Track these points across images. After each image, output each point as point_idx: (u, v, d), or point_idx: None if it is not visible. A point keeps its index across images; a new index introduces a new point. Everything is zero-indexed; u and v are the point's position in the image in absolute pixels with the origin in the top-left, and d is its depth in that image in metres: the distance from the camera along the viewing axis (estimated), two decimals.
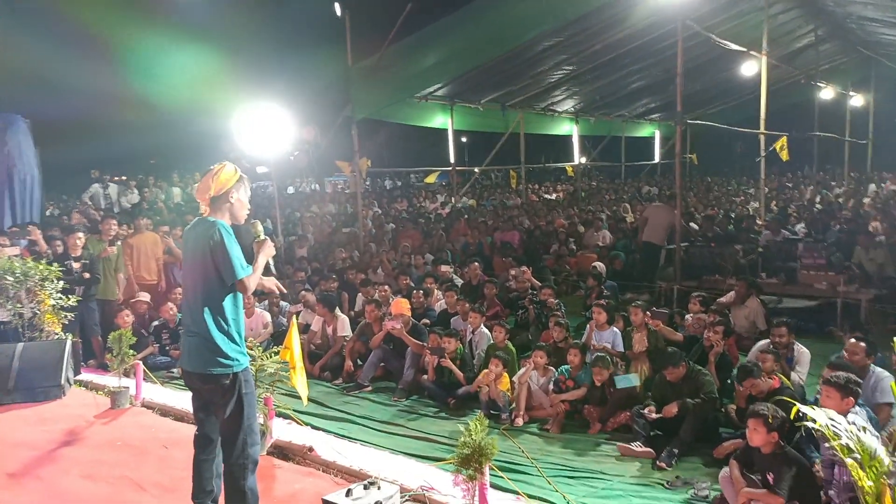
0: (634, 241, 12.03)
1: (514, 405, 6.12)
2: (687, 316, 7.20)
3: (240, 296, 3.21)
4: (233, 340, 3.15)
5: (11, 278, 5.97)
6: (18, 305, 6.02)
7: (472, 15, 11.56)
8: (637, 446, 5.18)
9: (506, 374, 6.17)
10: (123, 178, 16.04)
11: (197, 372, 3.13)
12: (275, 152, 8.84)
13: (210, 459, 3.31)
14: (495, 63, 13.30)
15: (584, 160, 23.86)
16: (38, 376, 5.58)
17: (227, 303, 3.15)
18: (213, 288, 3.11)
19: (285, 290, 4.03)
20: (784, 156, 13.85)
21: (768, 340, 5.94)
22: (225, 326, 3.12)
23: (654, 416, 5.30)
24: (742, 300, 7.70)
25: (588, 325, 6.91)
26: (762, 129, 13.22)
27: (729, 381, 5.87)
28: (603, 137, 24.12)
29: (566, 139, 22.42)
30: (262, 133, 8.25)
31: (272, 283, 3.52)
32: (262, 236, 3.39)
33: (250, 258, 3.30)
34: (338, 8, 12.34)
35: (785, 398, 4.44)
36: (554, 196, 21.63)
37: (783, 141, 13.21)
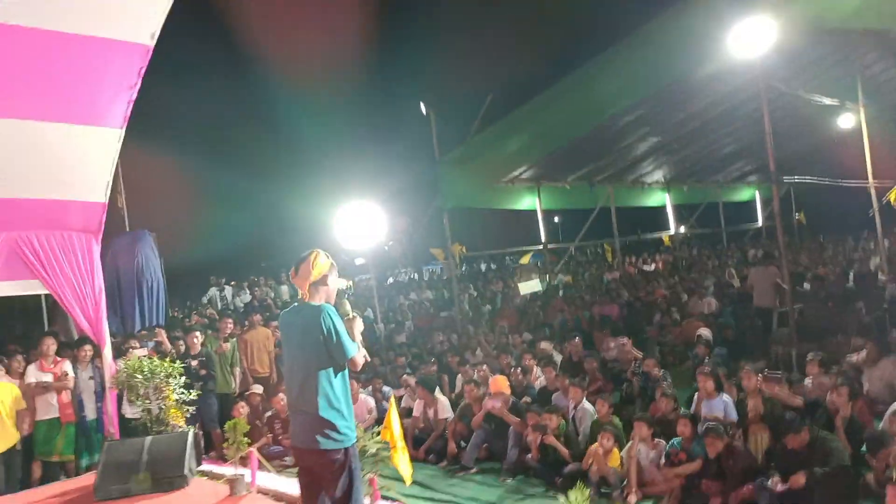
0: (743, 307, 11.44)
1: (625, 482, 5.86)
2: (806, 380, 6.72)
3: (347, 373, 3.39)
4: (343, 416, 3.30)
5: (140, 377, 6.51)
6: (147, 402, 6.52)
7: (551, 99, 11.98)
8: None
9: (616, 451, 5.94)
10: (235, 283, 17.27)
11: (309, 448, 3.27)
12: (371, 244, 9.33)
13: None
14: (579, 142, 13.55)
15: (681, 229, 23.25)
16: (165, 467, 5.94)
17: (338, 380, 3.33)
18: (323, 368, 3.29)
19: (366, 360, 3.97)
20: None
21: None
22: (335, 403, 3.28)
23: (780, 487, 4.91)
24: (874, 361, 7.06)
25: (696, 395, 6.58)
26: (871, 181, 12.49)
27: (864, 449, 5.36)
28: (699, 205, 23.47)
29: (660, 210, 22.03)
30: (358, 227, 8.77)
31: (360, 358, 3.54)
32: (352, 314, 3.59)
33: None
34: (423, 107, 13.20)
35: None
36: (653, 267, 21.03)
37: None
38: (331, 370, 3.30)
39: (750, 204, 26.23)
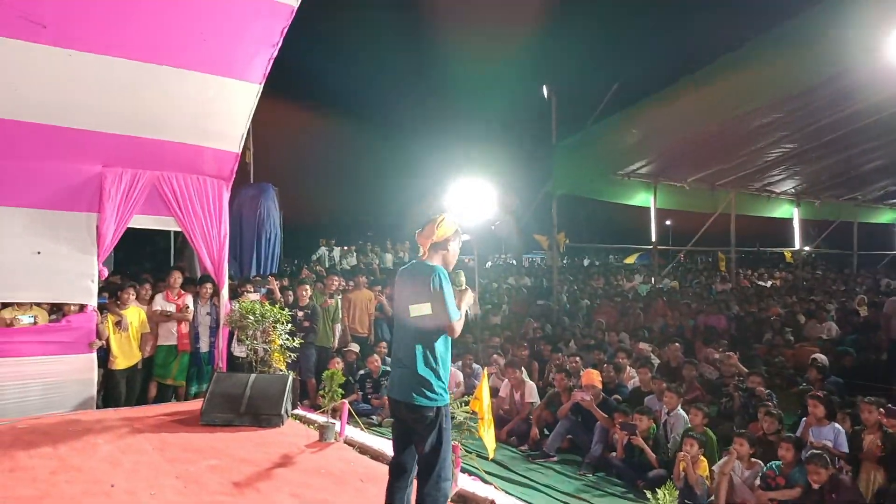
0: (867, 337, 10.53)
1: (712, 497, 5.61)
2: None
3: (449, 338, 3.46)
4: (439, 377, 3.38)
5: (252, 318, 6.94)
6: (254, 342, 6.95)
7: (680, 92, 11.40)
8: None
9: (704, 459, 5.70)
10: (345, 248, 17.99)
11: (404, 401, 3.36)
12: (478, 222, 9.35)
13: (402, 488, 3.50)
14: (705, 140, 12.85)
15: (806, 247, 21.64)
16: (264, 405, 6.34)
17: (439, 342, 3.40)
18: (427, 326, 3.38)
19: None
20: None
21: None
22: (433, 363, 3.36)
23: None
24: None
25: (804, 420, 6.15)
26: None
27: None
28: (830, 223, 21.70)
29: (785, 223, 20.58)
30: (468, 203, 8.80)
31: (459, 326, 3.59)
32: (464, 286, 3.64)
33: None
34: (545, 90, 13.02)
35: None
36: (769, 284, 19.75)
37: None
38: (434, 330, 3.37)
39: (890, 228, 23.99)
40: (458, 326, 3.42)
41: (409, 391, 3.32)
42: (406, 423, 3.43)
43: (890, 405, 5.75)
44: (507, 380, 8.09)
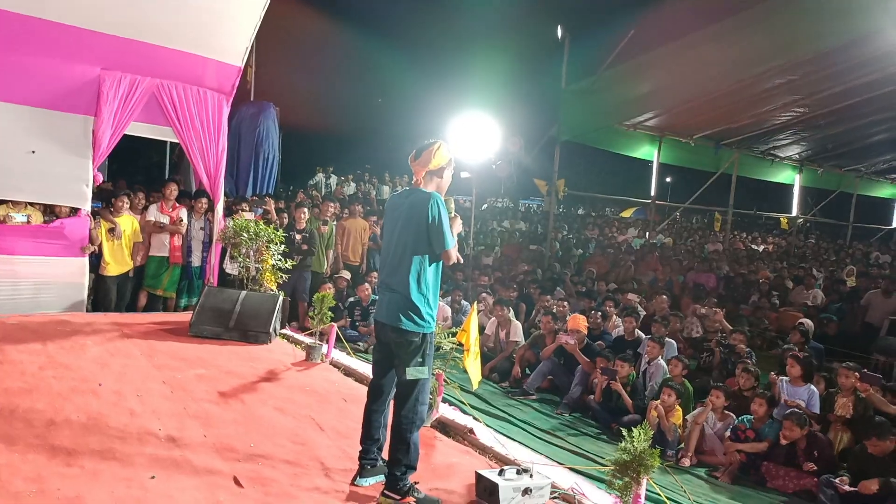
0: (852, 306, 10.66)
1: (683, 444, 5.79)
2: None
3: (441, 265, 3.47)
4: (429, 304, 3.40)
5: (245, 236, 6.92)
6: (247, 260, 6.96)
7: (696, 46, 11.13)
8: None
9: (679, 409, 5.85)
10: (343, 177, 17.85)
11: (391, 324, 3.38)
12: (479, 159, 9.27)
13: (379, 410, 3.58)
14: (716, 97, 12.63)
15: (803, 214, 21.68)
16: (253, 322, 6.42)
17: (431, 269, 3.41)
18: (421, 253, 3.37)
19: (462, 261, 4.14)
20: None
21: None
22: (424, 289, 3.38)
23: (846, 488, 4.70)
24: None
25: (779, 378, 6.29)
26: None
27: None
28: (830, 192, 21.67)
29: (785, 188, 20.54)
30: (470, 139, 8.70)
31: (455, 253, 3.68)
32: (454, 213, 3.62)
33: None
34: (559, 31, 12.65)
35: None
36: (762, 248, 19.86)
37: None
38: (426, 257, 3.38)
39: (888, 203, 24.01)
40: (454, 254, 3.44)
41: (398, 314, 3.34)
42: (390, 347, 3.47)
43: (866, 371, 5.89)
44: (493, 318, 8.19)
